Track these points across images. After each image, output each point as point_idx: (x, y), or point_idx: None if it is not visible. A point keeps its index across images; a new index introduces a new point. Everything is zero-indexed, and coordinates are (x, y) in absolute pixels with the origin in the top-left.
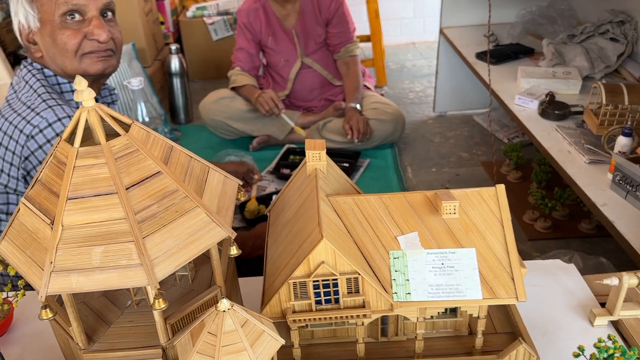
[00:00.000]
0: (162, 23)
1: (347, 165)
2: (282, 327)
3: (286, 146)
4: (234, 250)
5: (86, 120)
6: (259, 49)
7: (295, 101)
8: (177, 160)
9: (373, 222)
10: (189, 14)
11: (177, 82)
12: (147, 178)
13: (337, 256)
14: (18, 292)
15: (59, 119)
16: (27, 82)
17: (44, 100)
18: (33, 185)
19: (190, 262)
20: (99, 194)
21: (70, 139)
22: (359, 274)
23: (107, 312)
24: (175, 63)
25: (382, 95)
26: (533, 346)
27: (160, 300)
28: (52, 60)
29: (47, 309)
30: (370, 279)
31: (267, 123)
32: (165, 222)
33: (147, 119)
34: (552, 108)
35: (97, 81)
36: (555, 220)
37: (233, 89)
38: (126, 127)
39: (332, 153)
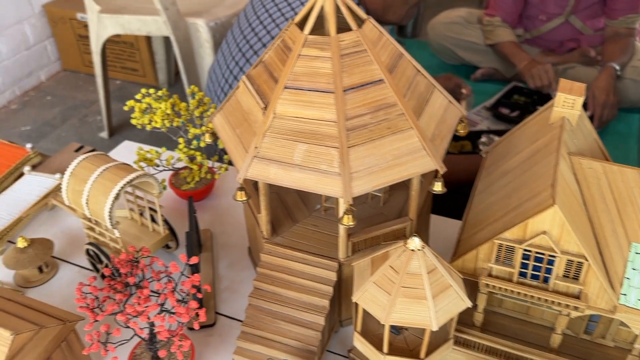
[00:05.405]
0: None
1: None
2: (468, 284)
3: (513, 83)
4: (439, 187)
5: (321, 9)
6: None
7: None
8: (403, 72)
9: (621, 201)
10: None
11: None
12: (368, 84)
13: (564, 230)
14: (222, 165)
15: None
16: None
17: None
18: (256, 66)
19: None
20: (317, 90)
21: (301, 24)
22: (586, 260)
23: (296, 209)
24: None
25: None
26: None
27: (350, 217)
28: None
29: (243, 192)
30: (598, 270)
31: (498, 56)
32: (374, 136)
33: None
34: None
35: None
36: None
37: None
38: (360, 23)
39: None
